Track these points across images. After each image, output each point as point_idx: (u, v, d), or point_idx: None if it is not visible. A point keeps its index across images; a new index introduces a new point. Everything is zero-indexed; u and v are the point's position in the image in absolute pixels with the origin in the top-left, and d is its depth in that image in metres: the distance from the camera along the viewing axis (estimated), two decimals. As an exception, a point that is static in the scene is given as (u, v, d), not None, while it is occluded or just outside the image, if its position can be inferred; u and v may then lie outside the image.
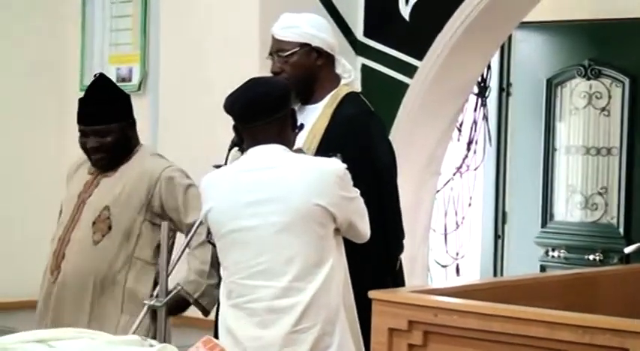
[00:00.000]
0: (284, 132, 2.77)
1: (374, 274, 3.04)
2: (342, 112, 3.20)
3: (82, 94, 3.35)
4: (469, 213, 5.88)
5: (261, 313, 2.66)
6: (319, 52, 3.23)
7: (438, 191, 5.16)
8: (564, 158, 5.60)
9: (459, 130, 5.60)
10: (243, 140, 2.86)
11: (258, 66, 3.79)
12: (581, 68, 5.48)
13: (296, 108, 3.03)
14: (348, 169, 2.76)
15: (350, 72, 3.32)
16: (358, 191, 2.77)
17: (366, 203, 2.83)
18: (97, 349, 1.97)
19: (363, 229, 2.78)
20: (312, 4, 4.20)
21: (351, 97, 3.27)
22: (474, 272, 5.92)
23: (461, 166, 5.74)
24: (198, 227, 2.99)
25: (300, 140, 3.09)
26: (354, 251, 2.84)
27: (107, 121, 3.24)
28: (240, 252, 2.69)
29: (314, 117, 3.21)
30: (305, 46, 3.20)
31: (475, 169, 5.81)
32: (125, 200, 3.24)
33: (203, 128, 4.26)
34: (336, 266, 2.69)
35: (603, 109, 5.45)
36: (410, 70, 4.30)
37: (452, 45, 4.22)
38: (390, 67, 4.37)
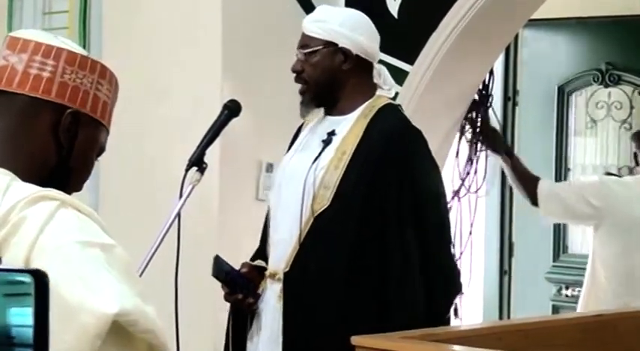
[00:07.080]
0: None
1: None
2: (378, 125, 3.14)
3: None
4: (469, 244, 5.75)
5: None
6: (347, 54, 3.14)
7: (433, 219, 5.14)
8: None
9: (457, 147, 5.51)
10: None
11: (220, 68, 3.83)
12: (599, 73, 5.54)
13: (318, 118, 3.12)
14: (385, 197, 2.92)
15: (391, 86, 3.26)
16: None
17: (407, 246, 2.93)
18: None
19: None
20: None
21: (388, 108, 3.21)
22: (476, 314, 5.92)
23: (459, 189, 5.63)
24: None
25: (327, 156, 3.09)
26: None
27: None
28: None
29: (343, 131, 3.15)
30: (330, 46, 3.14)
31: (476, 192, 5.69)
32: None
33: (155, 140, 4.19)
34: None
35: (624, 122, 5.54)
36: (399, 76, 4.24)
37: (448, 46, 4.21)
38: (375, 73, 4.33)
